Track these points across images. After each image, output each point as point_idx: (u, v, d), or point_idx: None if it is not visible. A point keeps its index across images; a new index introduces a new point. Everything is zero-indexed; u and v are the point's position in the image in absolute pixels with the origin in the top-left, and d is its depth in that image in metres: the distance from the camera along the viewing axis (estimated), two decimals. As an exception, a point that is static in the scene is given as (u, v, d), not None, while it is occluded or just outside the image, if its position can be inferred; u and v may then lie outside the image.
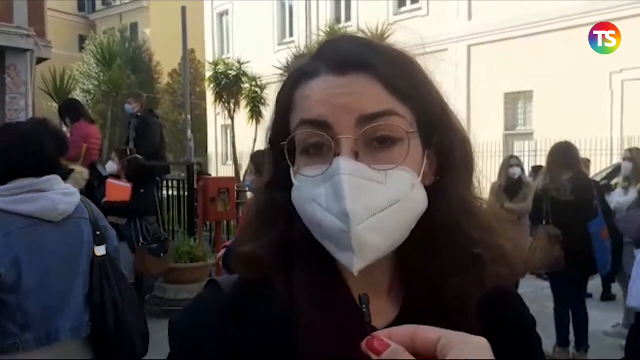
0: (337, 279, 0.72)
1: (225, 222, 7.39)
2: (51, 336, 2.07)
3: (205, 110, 24.79)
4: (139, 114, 7.33)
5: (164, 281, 6.21)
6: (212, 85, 17.12)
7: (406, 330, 0.56)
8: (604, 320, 5.55)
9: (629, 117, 12.53)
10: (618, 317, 5.56)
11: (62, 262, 2.13)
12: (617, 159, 9.95)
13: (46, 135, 2.24)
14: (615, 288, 6.38)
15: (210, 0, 24.63)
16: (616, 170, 7.50)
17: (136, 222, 5.16)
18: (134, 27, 33.45)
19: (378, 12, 15.89)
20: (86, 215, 2.25)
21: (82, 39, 31.36)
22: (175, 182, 7.99)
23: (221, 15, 24.53)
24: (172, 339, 0.77)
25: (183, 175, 8.46)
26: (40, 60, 9.21)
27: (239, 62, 17.07)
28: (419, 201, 0.69)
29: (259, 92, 16.20)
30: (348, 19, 18.57)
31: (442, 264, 0.70)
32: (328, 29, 14.32)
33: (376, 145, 0.67)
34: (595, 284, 6.60)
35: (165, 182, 7.58)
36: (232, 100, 16.91)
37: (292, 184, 0.74)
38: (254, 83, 16.48)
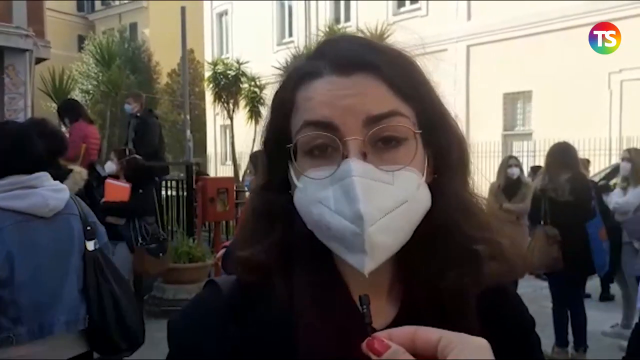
0: (337, 279, 0.72)
1: (224, 222, 7.39)
2: (44, 329, 2.10)
3: (204, 110, 24.78)
4: (138, 114, 7.33)
5: (162, 281, 6.21)
6: (211, 85, 17.12)
7: (406, 331, 0.56)
8: (602, 321, 5.55)
9: (628, 117, 12.55)
10: (616, 317, 5.57)
11: (54, 257, 2.17)
12: (616, 159, 9.96)
13: (34, 134, 2.30)
14: (614, 288, 6.39)
15: (210, 0, 24.63)
16: (615, 170, 7.51)
17: (135, 222, 5.16)
18: (133, 27, 33.44)
19: (377, 12, 15.89)
20: (76, 212, 2.29)
21: (81, 39, 31.36)
22: (174, 182, 7.99)
23: (220, 15, 24.53)
24: (171, 339, 0.77)
25: (182, 175, 8.46)
26: (39, 60, 9.21)
27: (238, 62, 17.08)
28: (424, 201, 0.69)
29: (258, 92, 16.21)
30: (347, 19, 18.57)
31: (441, 262, 0.71)
32: (327, 29, 14.31)
33: (381, 145, 0.67)
34: (593, 284, 6.60)
35: (164, 182, 7.58)
36: (231, 100, 16.92)
37: (289, 186, 0.74)
38: (253, 83, 16.49)
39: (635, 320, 5.28)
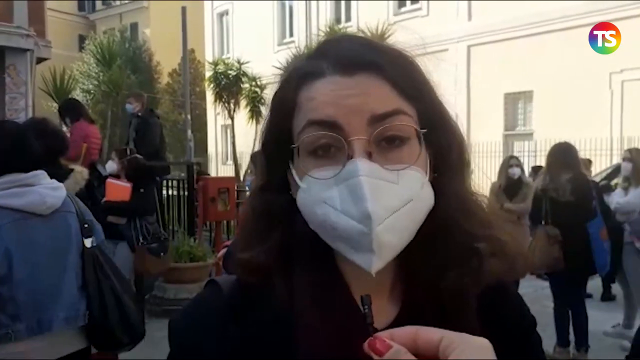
0: (338, 279, 0.72)
1: (225, 222, 7.39)
2: (43, 326, 2.12)
3: (205, 110, 24.80)
4: (139, 114, 7.33)
5: (163, 281, 6.21)
6: (212, 85, 17.14)
7: (408, 331, 0.57)
8: (604, 321, 5.55)
9: (628, 117, 12.54)
10: (618, 317, 5.56)
11: (52, 254, 2.19)
12: (617, 159, 9.96)
13: (31, 133, 2.34)
14: (615, 288, 6.39)
15: (210, 0, 24.64)
16: (616, 170, 7.50)
17: (136, 221, 5.16)
18: (134, 27, 33.46)
19: (378, 12, 15.89)
20: (72, 209, 2.32)
21: (82, 39, 31.37)
22: (175, 182, 7.99)
23: (221, 15, 24.54)
24: (171, 339, 0.77)
25: (183, 175, 8.46)
26: (40, 60, 9.22)
27: (238, 62, 17.10)
28: (428, 200, 0.69)
29: (259, 92, 16.22)
30: (348, 19, 18.58)
31: (442, 261, 0.71)
32: (328, 29, 14.32)
33: (385, 145, 0.67)
34: (595, 284, 6.60)
35: (165, 182, 7.58)
36: (232, 100, 16.94)
37: (288, 186, 0.74)
38: (253, 83, 16.51)
39: (637, 320, 5.30)
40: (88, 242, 2.29)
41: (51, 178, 3.41)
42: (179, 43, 10.39)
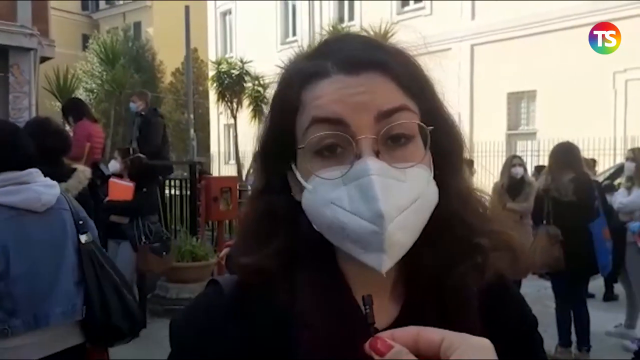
0: (340, 280, 0.72)
1: (227, 222, 7.40)
2: (40, 320, 2.15)
3: (208, 109, 24.82)
4: (142, 113, 7.33)
5: (166, 280, 6.22)
6: (214, 85, 17.14)
7: (409, 331, 0.57)
8: (606, 321, 5.54)
9: (632, 116, 12.52)
10: (620, 317, 5.56)
11: (48, 250, 2.23)
12: (620, 159, 9.93)
13: (23, 131, 2.40)
14: (618, 288, 6.37)
15: (214, 0, 24.66)
16: (619, 170, 7.49)
17: (138, 221, 5.17)
18: (137, 26, 33.51)
19: (381, 11, 15.89)
20: (66, 207, 2.35)
21: (85, 38, 31.46)
22: (177, 181, 8.00)
23: (224, 14, 24.57)
24: (172, 339, 0.77)
25: (185, 174, 8.47)
26: (44, 59, 9.25)
27: (241, 61, 17.10)
28: (433, 196, 0.69)
29: (262, 92, 16.21)
30: (351, 18, 18.58)
31: (445, 257, 0.71)
32: (331, 29, 14.31)
33: (390, 143, 0.67)
34: (597, 284, 6.59)
35: (167, 181, 7.58)
36: (235, 100, 16.94)
37: (288, 188, 0.74)
38: (256, 82, 16.51)
39: (639, 320, 5.29)
40: (83, 238, 2.32)
41: (54, 177, 3.44)
42: (182, 42, 10.42)
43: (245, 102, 16.90)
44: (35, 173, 2.28)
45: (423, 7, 16.69)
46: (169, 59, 28.99)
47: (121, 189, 5.22)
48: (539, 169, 8.41)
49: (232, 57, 19.25)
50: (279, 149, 0.73)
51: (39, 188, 2.24)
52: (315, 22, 19.57)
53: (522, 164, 6.17)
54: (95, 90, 22.82)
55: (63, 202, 2.34)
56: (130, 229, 5.14)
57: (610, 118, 12.91)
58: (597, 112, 12.78)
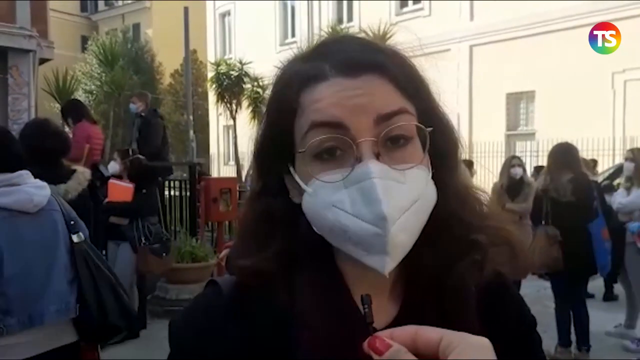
0: (339, 280, 0.72)
1: (227, 222, 7.40)
2: (35, 319, 2.18)
3: (207, 110, 24.80)
4: (142, 114, 7.32)
5: (165, 281, 6.22)
6: (214, 86, 17.16)
7: (408, 330, 0.57)
8: (606, 321, 5.55)
9: (631, 117, 12.52)
10: (620, 317, 5.56)
11: (41, 250, 2.25)
12: (619, 159, 9.94)
13: (11, 134, 2.45)
14: (618, 288, 6.38)
15: (212, 1, 24.66)
16: (618, 170, 7.49)
17: (138, 222, 5.17)
18: (136, 27, 33.49)
19: (380, 12, 15.88)
20: (57, 208, 2.38)
21: (84, 40, 31.43)
22: (177, 183, 8.00)
23: (223, 15, 24.57)
24: (171, 339, 0.77)
25: (185, 175, 8.47)
26: (43, 61, 9.25)
27: (240, 62, 17.12)
28: (432, 196, 0.70)
29: (261, 93, 16.23)
30: (350, 19, 18.58)
31: (444, 256, 0.71)
32: (330, 30, 14.32)
33: (390, 145, 0.67)
34: (597, 284, 6.60)
35: (167, 183, 7.58)
36: (234, 101, 16.97)
37: (286, 190, 0.74)
38: (255, 83, 16.52)
39: (639, 320, 5.30)
40: (75, 238, 2.35)
41: (54, 178, 3.45)
42: (181, 43, 10.42)
43: (245, 103, 16.92)
44: (25, 175, 2.30)
45: (422, 8, 16.70)
46: (168, 60, 28.97)
47: (121, 190, 5.22)
48: (538, 169, 8.42)
49: (231, 58, 19.27)
50: (276, 150, 0.73)
51: (31, 189, 2.27)
52: (314, 23, 19.57)
53: (521, 165, 6.17)
54: (94, 92, 22.81)
55: (54, 203, 2.37)
56: (130, 230, 5.14)
57: (609, 118, 12.92)
58: (596, 113, 12.78)
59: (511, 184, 5.94)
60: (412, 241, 0.66)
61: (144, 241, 5.15)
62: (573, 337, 4.85)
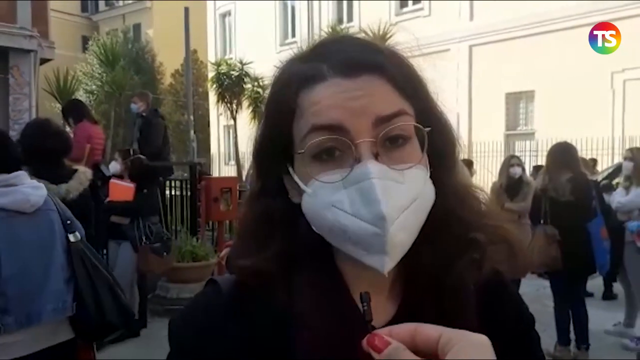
0: (338, 279, 0.72)
1: (227, 222, 7.40)
2: (32, 318, 2.20)
3: (207, 110, 24.78)
4: (143, 114, 7.31)
5: (166, 280, 6.22)
6: (214, 86, 17.15)
7: (407, 328, 0.57)
8: (605, 319, 5.55)
9: (630, 116, 12.51)
10: (619, 316, 5.56)
11: (38, 250, 2.27)
12: (618, 159, 9.94)
13: (7, 136, 2.48)
14: (617, 287, 6.39)
15: (213, 1, 24.64)
16: (617, 169, 7.49)
17: (139, 221, 5.18)
18: (137, 27, 33.44)
19: (380, 12, 15.87)
20: (53, 207, 2.40)
21: (85, 40, 31.40)
22: (178, 182, 8.01)
23: (223, 15, 24.54)
24: (171, 338, 0.77)
25: (186, 175, 8.47)
26: (44, 61, 9.25)
27: (241, 62, 17.11)
28: (430, 196, 0.70)
29: (261, 93, 16.22)
30: (350, 19, 18.56)
31: (443, 255, 0.72)
32: (330, 30, 14.32)
33: (388, 145, 0.67)
34: (596, 283, 6.60)
35: (168, 182, 7.58)
36: (235, 101, 16.96)
37: (285, 190, 0.74)
38: (256, 83, 16.51)
39: (638, 319, 5.30)
40: (72, 237, 2.37)
41: (55, 178, 3.46)
42: (181, 44, 10.41)
43: (245, 103, 16.91)
44: (22, 175, 2.33)
45: (422, 8, 16.68)
46: (168, 60, 28.93)
47: (122, 190, 5.23)
48: (537, 168, 8.41)
49: (231, 58, 19.26)
50: (275, 151, 0.73)
51: (27, 190, 2.28)
52: (315, 23, 19.56)
53: (521, 164, 6.18)
54: (95, 92, 22.79)
55: (50, 203, 2.39)
56: (131, 230, 5.15)
57: (609, 118, 12.90)
58: (595, 112, 12.77)
59: (510, 184, 5.95)
60: (410, 240, 0.67)
61: (144, 240, 5.16)
62: (572, 335, 4.85)
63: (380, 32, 12.06)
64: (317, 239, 0.71)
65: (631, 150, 5.36)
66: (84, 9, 36.57)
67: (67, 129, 6.16)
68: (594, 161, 9.21)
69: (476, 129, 14.91)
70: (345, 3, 19.16)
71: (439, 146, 0.73)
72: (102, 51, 19.21)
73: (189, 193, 7.46)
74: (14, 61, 8.26)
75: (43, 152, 3.37)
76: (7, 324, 2.13)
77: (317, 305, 0.69)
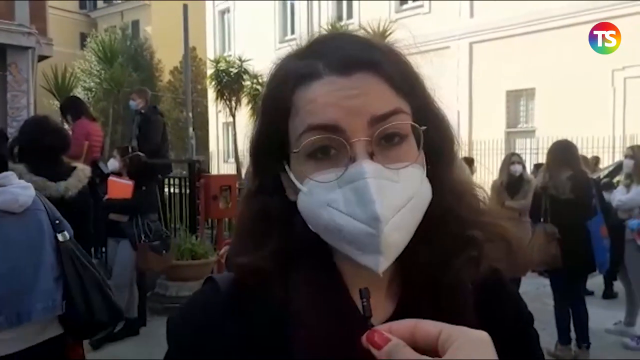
0: (336, 278, 0.72)
1: (226, 220, 7.39)
2: (22, 317, 2.21)
3: (206, 107, 24.81)
4: (142, 111, 7.31)
5: (165, 278, 6.22)
6: (213, 83, 17.15)
7: (406, 324, 0.57)
8: (605, 318, 5.55)
9: (631, 114, 12.53)
10: (619, 314, 5.57)
11: (27, 249, 2.28)
12: (619, 157, 9.95)
13: None
14: (617, 286, 6.39)
15: (212, -2, 24.65)
16: (618, 167, 7.49)
17: (138, 219, 5.17)
18: (135, 24, 33.46)
19: (380, 9, 15.87)
20: (42, 207, 2.41)
21: (83, 37, 31.41)
22: (177, 180, 8.00)
23: (222, 12, 24.54)
24: (169, 336, 0.77)
25: (185, 172, 8.46)
26: (42, 58, 9.23)
27: (240, 59, 17.10)
28: (427, 194, 0.69)
29: (260, 90, 16.18)
30: (350, 16, 18.56)
31: (439, 253, 0.71)
32: (329, 27, 14.31)
33: (384, 143, 0.67)
34: (597, 282, 6.60)
35: (167, 180, 7.58)
36: (234, 98, 16.96)
37: (282, 189, 0.74)
38: (255, 81, 16.50)
39: (639, 317, 5.30)
40: (61, 237, 2.38)
41: (54, 175, 3.45)
42: (180, 41, 10.40)
43: (244, 100, 16.91)
44: (10, 176, 2.34)
45: (422, 6, 16.68)
46: (167, 57, 28.96)
47: (120, 188, 5.22)
48: (537, 166, 8.41)
49: (230, 55, 19.27)
50: (271, 149, 0.72)
51: (16, 190, 2.29)
52: (314, 21, 19.55)
53: (521, 162, 6.18)
54: (93, 89, 22.82)
55: (38, 203, 2.40)
56: (130, 227, 5.14)
57: (609, 116, 12.92)
58: (595, 110, 12.78)
59: (511, 182, 5.95)
60: (406, 240, 0.66)
61: (143, 238, 5.15)
62: (573, 334, 4.85)
63: (380, 30, 12.05)
64: (314, 237, 0.70)
65: (632, 148, 5.37)
66: (82, 6, 36.59)
67: (66, 126, 6.14)
68: (596, 159, 9.21)
69: (476, 126, 14.92)
70: (344, 0, 19.16)
71: (436, 143, 0.73)
72: (101, 48, 19.23)
73: (188, 191, 7.46)
74: (12, 58, 8.25)
75: (41, 149, 3.37)
76: None
77: (315, 303, 0.69)
